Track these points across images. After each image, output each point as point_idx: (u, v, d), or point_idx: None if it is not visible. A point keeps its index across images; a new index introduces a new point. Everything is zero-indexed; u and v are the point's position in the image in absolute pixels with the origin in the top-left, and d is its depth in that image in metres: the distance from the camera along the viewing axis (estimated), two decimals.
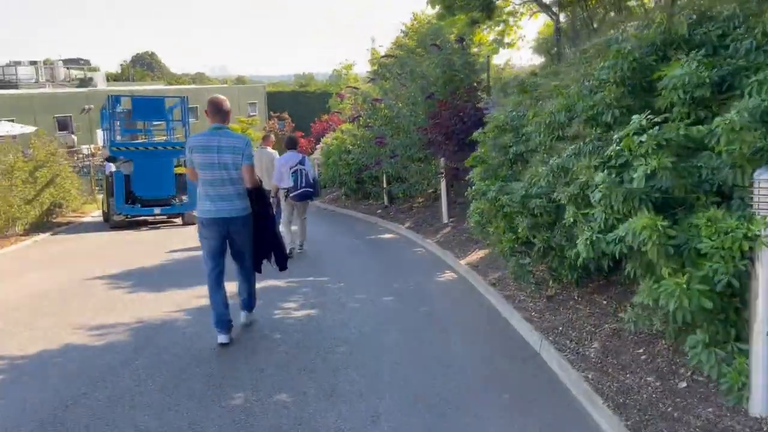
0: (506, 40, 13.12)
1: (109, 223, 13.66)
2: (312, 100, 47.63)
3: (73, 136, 30.48)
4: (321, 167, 18.21)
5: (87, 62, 60.98)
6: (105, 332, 5.48)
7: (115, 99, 14.05)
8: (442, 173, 9.39)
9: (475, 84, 10.35)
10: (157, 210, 13.59)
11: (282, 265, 5.55)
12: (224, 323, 4.94)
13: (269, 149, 9.76)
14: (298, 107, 45.30)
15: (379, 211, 14.07)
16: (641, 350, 4.05)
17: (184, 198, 14.13)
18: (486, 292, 6.35)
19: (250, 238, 5.11)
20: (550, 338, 4.59)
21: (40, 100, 31.95)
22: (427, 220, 11.37)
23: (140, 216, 13.69)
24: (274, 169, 8.65)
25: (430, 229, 10.48)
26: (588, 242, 3.45)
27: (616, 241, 3.29)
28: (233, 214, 4.87)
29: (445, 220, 10.58)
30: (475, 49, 10.69)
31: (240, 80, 69.79)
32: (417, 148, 10.67)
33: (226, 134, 4.87)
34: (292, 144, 8.70)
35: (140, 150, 13.59)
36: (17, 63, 39.47)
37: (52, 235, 12.76)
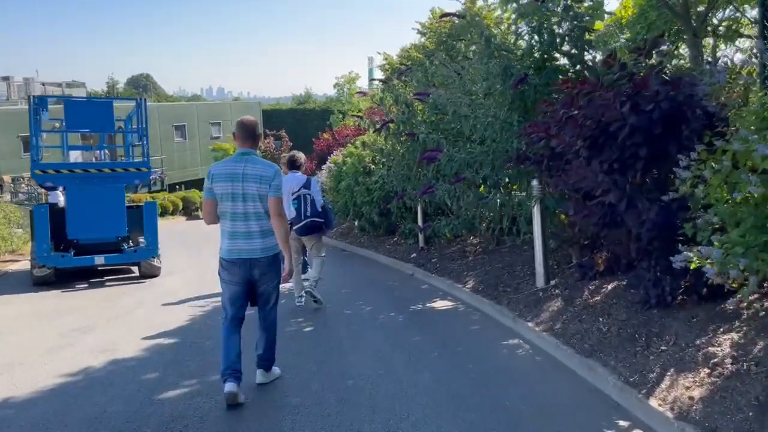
0: None
1: (32, 279, 9.54)
2: (311, 118, 44.22)
3: None
4: (329, 193, 14.18)
5: (83, 84, 57.29)
6: None
7: (39, 101, 10.00)
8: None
9: (589, 63, 6.40)
10: (99, 259, 9.50)
11: None
12: (235, 371, 4.07)
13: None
14: (297, 126, 41.68)
15: (414, 255, 10.02)
16: None
17: (142, 240, 10.06)
18: None
19: (277, 282, 4.37)
20: None
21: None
22: (501, 277, 7.30)
23: (75, 267, 9.58)
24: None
25: (517, 298, 6.42)
26: None
27: None
28: (257, 255, 4.17)
29: (540, 282, 6.52)
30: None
31: (237, 101, 66.79)
32: (490, 166, 6.66)
33: (253, 161, 4.23)
34: (294, 164, 7.07)
35: (76, 174, 9.56)
36: None
37: None
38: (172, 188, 32.12)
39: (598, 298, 5.64)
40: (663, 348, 4.28)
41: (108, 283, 9.70)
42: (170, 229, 20.60)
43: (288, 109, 49.82)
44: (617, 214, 4.25)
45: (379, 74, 26.27)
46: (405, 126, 8.56)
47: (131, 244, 10.12)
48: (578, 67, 6.48)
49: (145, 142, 10.18)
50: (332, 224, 7.93)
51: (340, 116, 35.43)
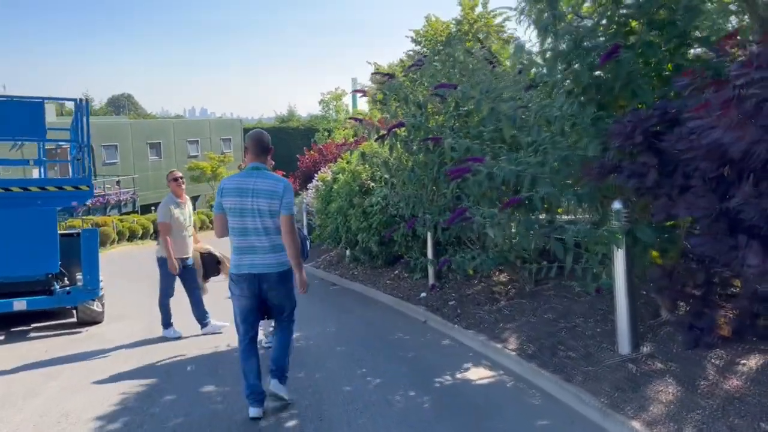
0: None
1: None
2: (295, 137, 42.45)
3: None
4: (316, 216, 12.17)
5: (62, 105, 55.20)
6: None
7: None
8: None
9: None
10: (19, 304, 7.33)
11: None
12: (257, 395, 4.14)
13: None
14: (280, 144, 39.38)
15: (424, 294, 8.01)
16: None
17: (79, 278, 7.93)
18: None
19: (290, 295, 4.31)
20: None
21: None
22: (557, 335, 5.31)
23: None
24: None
25: (594, 372, 4.42)
26: None
27: None
28: (266, 270, 4.11)
29: (625, 347, 4.54)
30: None
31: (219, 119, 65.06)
32: (549, 182, 4.69)
33: (264, 176, 4.16)
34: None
35: None
36: None
37: None
38: (146, 209, 29.80)
39: (739, 382, 3.67)
40: None
41: (32, 334, 7.55)
42: (133, 255, 18.43)
43: (270, 127, 47.92)
44: None
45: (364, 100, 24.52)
46: (418, 132, 6.60)
47: (66, 282, 7.99)
48: (674, 41, 4.58)
49: (86, 155, 8.11)
50: (307, 254, 7.09)
51: (326, 134, 33.69)
